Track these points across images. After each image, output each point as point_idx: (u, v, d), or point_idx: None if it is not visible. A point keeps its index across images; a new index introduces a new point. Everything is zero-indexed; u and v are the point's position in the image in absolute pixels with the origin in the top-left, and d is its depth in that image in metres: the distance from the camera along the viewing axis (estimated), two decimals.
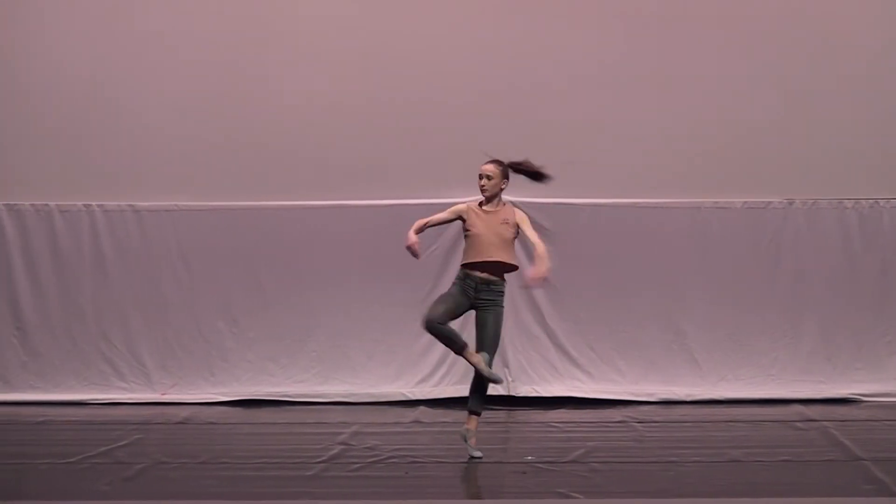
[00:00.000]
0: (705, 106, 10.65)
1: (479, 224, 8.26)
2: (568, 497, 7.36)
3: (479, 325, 8.27)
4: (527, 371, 10.63)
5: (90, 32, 10.60)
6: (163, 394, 10.61)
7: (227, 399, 10.53)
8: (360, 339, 10.62)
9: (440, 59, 10.63)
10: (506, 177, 8.35)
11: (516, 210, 8.40)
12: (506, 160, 8.38)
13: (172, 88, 10.60)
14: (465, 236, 8.36)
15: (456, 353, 8.29)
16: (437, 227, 10.35)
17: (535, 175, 8.42)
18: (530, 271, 8.22)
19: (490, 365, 8.21)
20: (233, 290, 10.62)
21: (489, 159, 8.37)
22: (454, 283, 8.30)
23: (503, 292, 8.30)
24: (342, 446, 8.76)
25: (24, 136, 10.57)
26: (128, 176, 10.62)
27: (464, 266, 8.29)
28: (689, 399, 10.50)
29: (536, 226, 10.58)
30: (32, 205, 10.62)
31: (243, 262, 10.62)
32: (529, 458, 8.40)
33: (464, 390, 10.43)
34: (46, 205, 10.61)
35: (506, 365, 10.59)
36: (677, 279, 10.65)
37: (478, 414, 8.39)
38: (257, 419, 10.01)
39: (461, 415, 10.04)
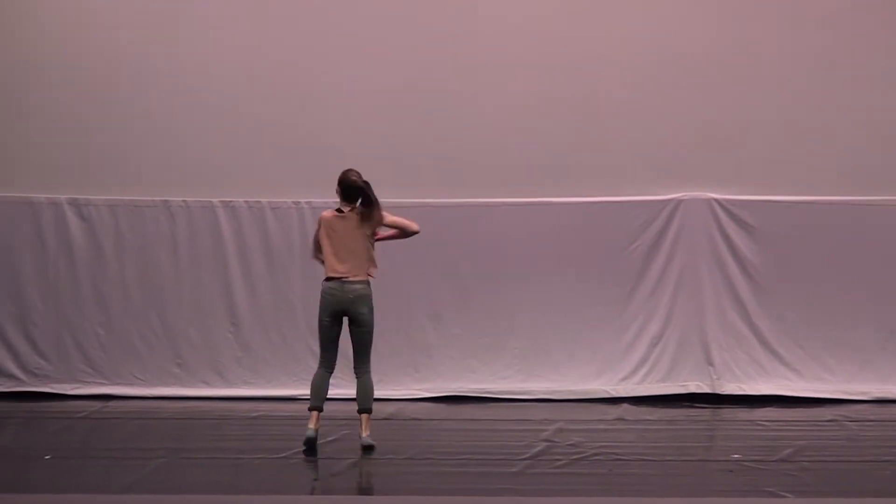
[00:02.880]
0: None
1: None
2: (777, 496, 7.22)
3: None
4: (732, 369, 10.45)
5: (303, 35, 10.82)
6: None
7: (430, 395, 10.64)
8: (562, 336, 10.59)
9: (626, 58, 10.51)
10: (339, 184, 8.84)
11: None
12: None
13: (385, 84, 10.67)
14: None
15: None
16: (640, 225, 10.43)
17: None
18: None
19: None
20: (436, 286, 10.68)
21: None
22: None
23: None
24: (546, 443, 8.77)
25: (240, 137, 10.80)
26: (333, 172, 10.81)
27: None
28: None
29: (742, 223, 10.46)
30: (246, 202, 10.87)
31: (445, 258, 10.66)
32: (736, 456, 8.29)
33: (667, 388, 10.42)
34: (259, 202, 10.85)
35: (710, 363, 10.45)
36: (891, 277, 10.34)
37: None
38: (461, 415, 10.09)
39: (665, 412, 10.00)
